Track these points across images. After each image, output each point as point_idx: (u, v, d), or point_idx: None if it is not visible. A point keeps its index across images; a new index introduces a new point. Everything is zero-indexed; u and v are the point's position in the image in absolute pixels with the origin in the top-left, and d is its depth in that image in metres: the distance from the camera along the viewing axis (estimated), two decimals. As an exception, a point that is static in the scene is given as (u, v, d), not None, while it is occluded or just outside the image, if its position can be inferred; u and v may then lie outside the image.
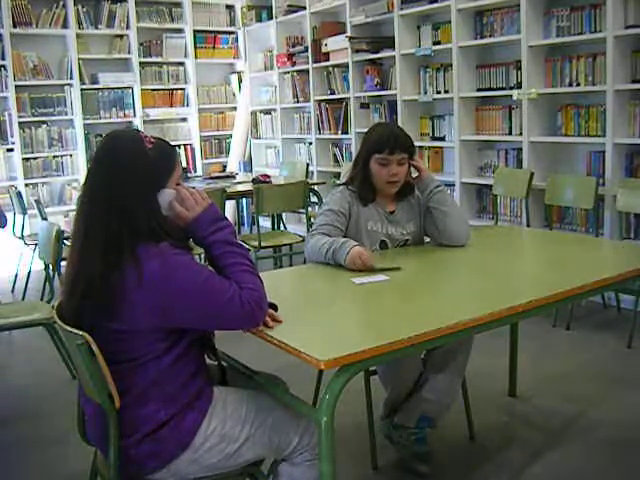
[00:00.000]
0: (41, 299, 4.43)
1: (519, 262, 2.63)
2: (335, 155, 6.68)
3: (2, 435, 2.94)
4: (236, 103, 7.82)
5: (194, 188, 1.82)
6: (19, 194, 5.26)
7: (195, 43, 7.42)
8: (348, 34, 5.98)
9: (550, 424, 2.83)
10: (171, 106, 7.45)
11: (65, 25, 6.63)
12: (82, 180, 1.82)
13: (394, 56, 5.60)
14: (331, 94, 6.46)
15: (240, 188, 5.31)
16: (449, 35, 5.10)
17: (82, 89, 6.76)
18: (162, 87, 7.36)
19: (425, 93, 5.51)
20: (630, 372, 3.33)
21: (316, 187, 5.54)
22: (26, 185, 6.57)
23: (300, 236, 5.08)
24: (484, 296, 2.06)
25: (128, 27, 6.95)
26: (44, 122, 6.70)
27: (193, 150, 7.60)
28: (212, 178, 5.71)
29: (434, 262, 2.52)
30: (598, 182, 4.13)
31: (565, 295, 2.05)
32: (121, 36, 6.99)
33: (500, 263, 2.51)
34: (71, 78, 6.69)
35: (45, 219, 4.57)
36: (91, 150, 6.80)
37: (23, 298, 4.84)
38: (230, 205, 6.90)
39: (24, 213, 5.25)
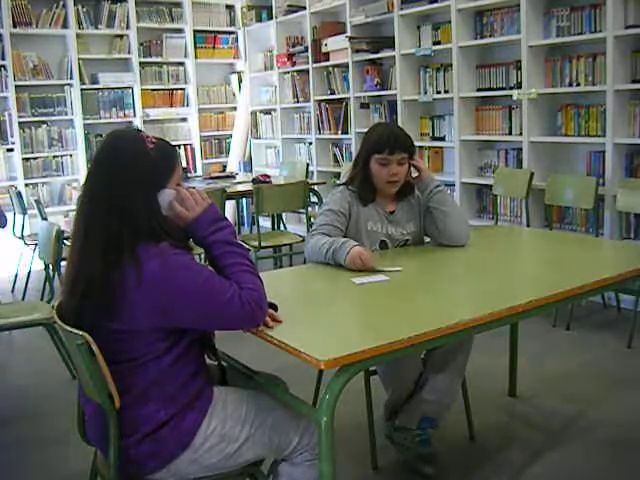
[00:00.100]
0: (41, 299, 4.43)
1: (519, 262, 2.63)
2: (335, 155, 6.69)
3: (2, 435, 2.94)
4: (236, 103, 7.82)
5: (194, 188, 1.82)
6: (19, 194, 5.26)
7: (195, 43, 7.42)
8: (348, 34, 5.99)
9: (550, 424, 2.83)
10: (171, 106, 7.45)
11: (65, 25, 6.64)
12: (82, 180, 1.83)
13: (394, 56, 5.60)
14: (331, 94, 6.46)
15: (240, 188, 5.31)
16: (449, 35, 5.10)
17: (82, 89, 6.76)
18: (162, 87, 7.36)
19: (425, 93, 5.51)
20: (630, 372, 3.33)
21: (316, 187, 5.54)
22: (26, 185, 6.57)
23: (300, 236, 5.08)
24: (484, 296, 2.06)
25: (128, 27, 6.95)
26: (44, 122, 6.70)
27: (193, 150, 7.60)
28: (212, 178, 5.71)
29: (434, 262, 2.52)
30: (598, 182, 4.13)
31: (565, 295, 2.05)
32: (121, 36, 6.99)
33: (500, 263, 2.51)
34: (71, 78, 6.69)
35: (45, 219, 4.57)
36: (91, 150, 6.81)
37: (23, 298, 4.84)
38: (230, 205, 6.90)
39: (24, 213, 5.25)
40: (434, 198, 2.60)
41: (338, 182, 2.91)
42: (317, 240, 2.43)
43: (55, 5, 6.57)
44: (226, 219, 1.82)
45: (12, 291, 5.19)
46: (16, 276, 5.25)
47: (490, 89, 5.03)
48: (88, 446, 1.86)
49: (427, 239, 2.75)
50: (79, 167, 6.86)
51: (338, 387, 1.59)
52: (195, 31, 7.42)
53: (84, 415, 1.82)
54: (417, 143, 3.99)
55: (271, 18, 7.02)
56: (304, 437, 1.79)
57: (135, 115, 7.13)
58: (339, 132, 6.42)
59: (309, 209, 5.03)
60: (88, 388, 1.69)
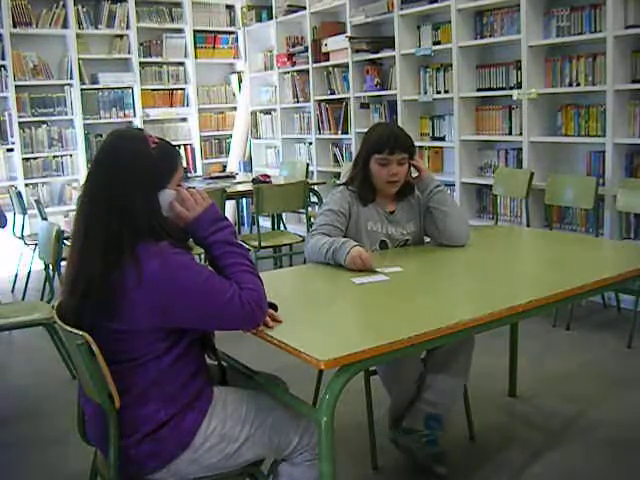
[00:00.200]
0: (41, 299, 4.43)
1: (519, 262, 2.63)
2: (335, 155, 6.69)
3: (2, 435, 2.94)
4: (236, 103, 7.82)
5: (194, 188, 1.82)
6: (19, 194, 5.26)
7: (195, 43, 7.42)
8: (348, 34, 5.99)
9: (550, 424, 2.83)
10: (171, 106, 7.45)
11: (65, 25, 6.64)
12: (82, 180, 1.83)
13: (394, 56, 5.60)
14: (331, 94, 6.46)
15: (240, 188, 5.31)
16: (449, 35, 5.10)
17: (82, 89, 6.76)
18: (162, 87, 7.36)
19: (425, 93, 5.51)
20: (630, 372, 3.33)
21: (316, 187, 5.54)
22: (26, 185, 6.57)
23: (300, 236, 5.08)
24: (484, 296, 2.06)
25: (128, 27, 6.95)
26: (44, 122, 6.70)
27: (193, 150, 7.60)
28: (212, 178, 5.71)
29: (434, 262, 2.52)
30: (598, 182, 4.13)
31: (565, 295, 2.05)
32: (121, 36, 6.99)
33: (500, 263, 2.51)
34: (71, 78, 6.69)
35: (45, 219, 4.57)
36: (91, 150, 6.81)
37: (23, 298, 4.84)
38: (230, 205, 6.90)
39: (24, 213, 5.25)
40: (434, 198, 2.60)
41: (338, 182, 2.91)
42: (317, 240, 2.43)
43: (55, 5, 6.57)
44: (226, 219, 1.82)
45: (12, 291, 5.19)
46: (16, 276, 5.25)
47: (490, 89, 5.03)
48: (88, 446, 1.86)
49: (427, 239, 2.75)
50: (79, 167, 6.86)
51: (338, 387, 1.59)
52: (195, 31, 7.42)
53: (84, 415, 1.82)
54: (417, 143, 3.99)
55: (271, 18, 7.02)
56: (304, 437, 1.79)
57: (135, 115, 7.13)
58: (339, 132, 6.42)
59: (309, 209, 5.03)
60: (88, 388, 1.69)
